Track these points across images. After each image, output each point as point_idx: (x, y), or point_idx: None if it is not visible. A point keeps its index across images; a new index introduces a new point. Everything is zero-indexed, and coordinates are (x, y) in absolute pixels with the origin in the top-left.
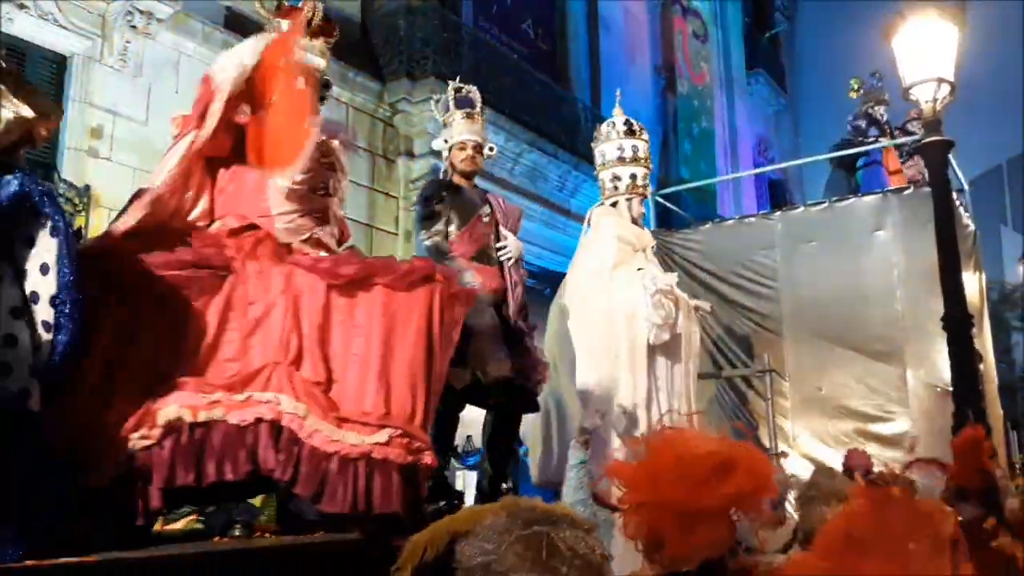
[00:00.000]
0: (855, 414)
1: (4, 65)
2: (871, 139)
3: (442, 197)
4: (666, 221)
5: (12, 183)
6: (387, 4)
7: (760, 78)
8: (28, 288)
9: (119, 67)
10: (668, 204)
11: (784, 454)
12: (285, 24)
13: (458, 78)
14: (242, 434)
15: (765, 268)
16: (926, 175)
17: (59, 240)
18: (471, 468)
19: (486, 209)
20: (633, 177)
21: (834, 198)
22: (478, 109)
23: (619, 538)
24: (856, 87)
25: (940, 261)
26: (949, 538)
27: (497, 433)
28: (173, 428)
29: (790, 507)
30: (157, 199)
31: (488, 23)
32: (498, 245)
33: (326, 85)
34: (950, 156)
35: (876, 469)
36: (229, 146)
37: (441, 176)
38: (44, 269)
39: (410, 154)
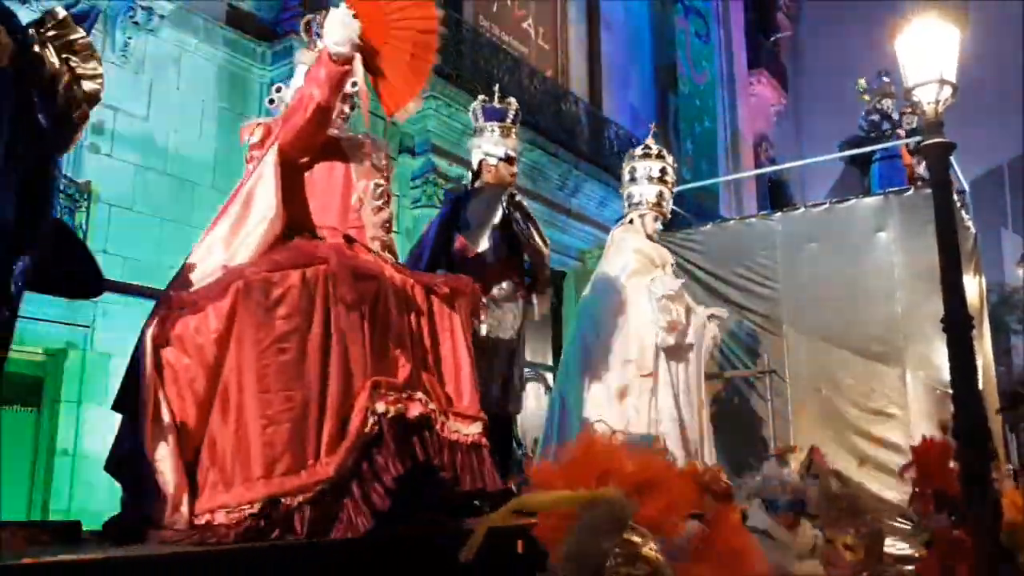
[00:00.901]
0: (855, 415)
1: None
2: (886, 131)
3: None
4: (668, 222)
5: None
6: None
7: (762, 78)
8: None
9: (120, 63)
10: (671, 205)
11: (793, 448)
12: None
13: (467, 74)
14: (414, 428)
15: (766, 269)
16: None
17: None
18: None
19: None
20: (659, 196)
21: (835, 199)
22: (510, 122)
23: None
24: (863, 88)
25: (941, 263)
26: None
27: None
28: (383, 422)
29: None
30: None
31: (489, 21)
32: None
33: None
34: (951, 157)
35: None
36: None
37: (470, 183)
38: None
39: (410, 151)
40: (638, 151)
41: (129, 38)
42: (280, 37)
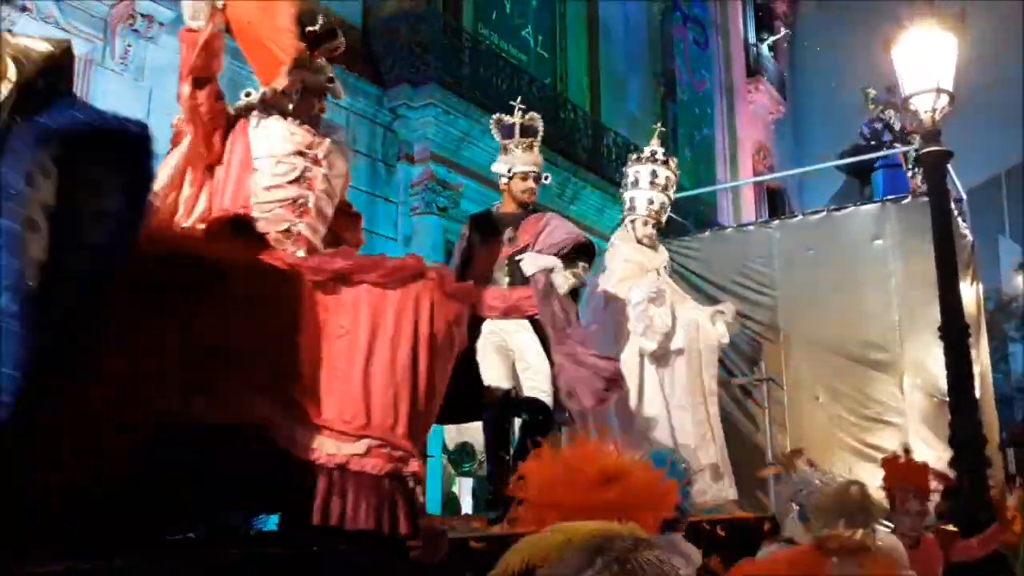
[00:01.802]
0: (852, 423)
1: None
2: (886, 142)
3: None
4: (665, 229)
5: None
6: (388, 9)
7: (760, 86)
8: None
9: (120, 70)
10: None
11: (800, 450)
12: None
13: (471, 84)
14: (228, 437)
15: (763, 276)
16: None
17: None
18: (465, 475)
19: (509, 233)
20: (650, 201)
21: (832, 207)
22: (539, 138)
23: None
24: (872, 95)
25: (938, 271)
26: None
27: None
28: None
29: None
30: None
31: (488, 29)
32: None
33: (333, 93)
34: (948, 166)
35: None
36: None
37: (496, 204)
38: None
39: (410, 159)
40: (633, 156)
41: (129, 46)
42: None
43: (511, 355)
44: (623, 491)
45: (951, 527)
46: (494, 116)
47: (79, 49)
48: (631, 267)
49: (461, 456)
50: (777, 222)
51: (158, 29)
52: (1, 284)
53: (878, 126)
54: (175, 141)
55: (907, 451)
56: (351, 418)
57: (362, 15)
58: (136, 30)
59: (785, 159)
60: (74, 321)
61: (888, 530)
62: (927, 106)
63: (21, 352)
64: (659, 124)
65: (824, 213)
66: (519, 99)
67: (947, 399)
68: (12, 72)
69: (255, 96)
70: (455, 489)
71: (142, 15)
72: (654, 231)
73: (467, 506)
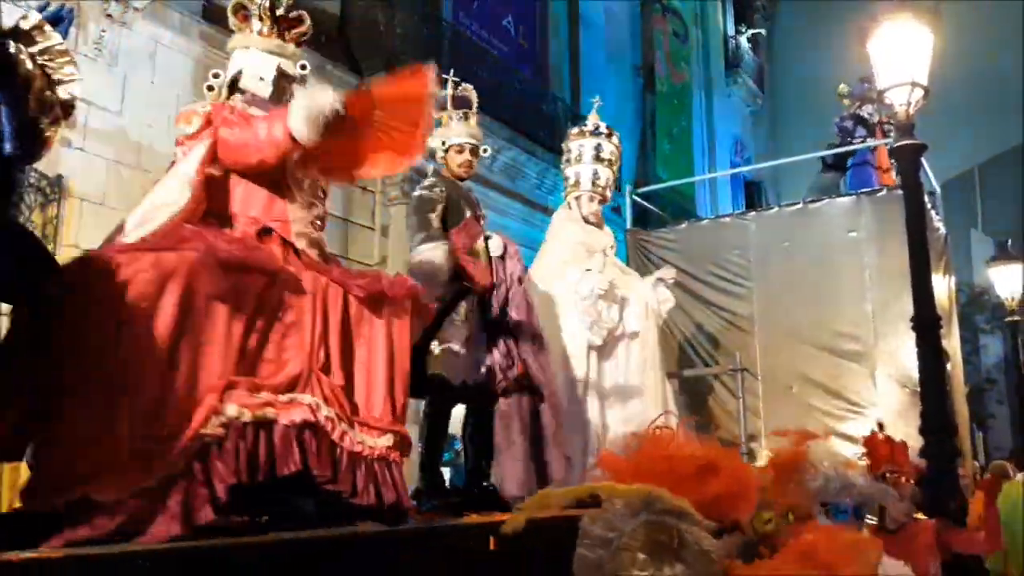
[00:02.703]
0: (825, 413)
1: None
2: (858, 139)
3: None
4: (643, 220)
5: None
6: None
7: (739, 79)
8: None
9: (94, 56)
10: (645, 203)
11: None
12: (256, 27)
13: (444, 73)
14: (290, 434)
15: (739, 268)
16: None
17: None
18: (445, 465)
19: (480, 210)
20: (594, 175)
21: (808, 199)
22: (474, 109)
23: None
24: (845, 93)
25: (911, 263)
26: None
27: (472, 430)
28: (232, 426)
29: None
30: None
31: (468, 19)
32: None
33: (302, 79)
34: (922, 159)
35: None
36: None
37: (435, 175)
38: None
39: None
40: (574, 130)
41: (103, 31)
42: None
43: None
44: (719, 485)
45: (922, 516)
46: (449, 83)
47: None
48: (577, 248)
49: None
50: (753, 214)
51: (133, 14)
52: None
53: (848, 124)
54: (191, 137)
55: (881, 427)
56: (380, 415)
57: (340, 3)
58: (110, 15)
59: (763, 152)
60: None
61: (873, 521)
62: (902, 100)
63: None
64: (596, 99)
65: (800, 205)
66: (452, 72)
67: (918, 389)
68: None
69: (246, 95)
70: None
71: (116, 0)
72: (600, 208)
73: None
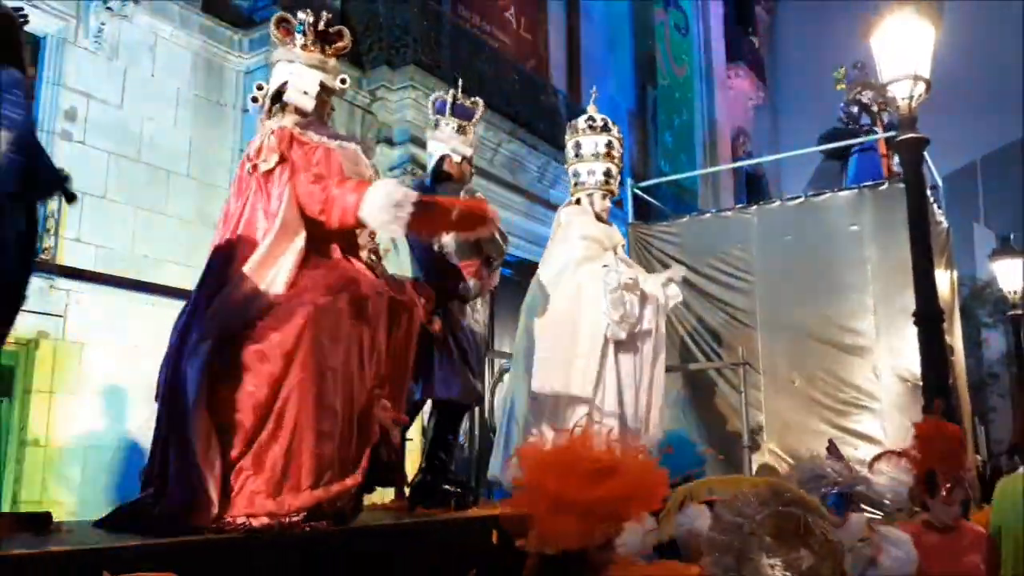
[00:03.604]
0: (827, 407)
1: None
2: (864, 125)
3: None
4: (645, 214)
5: None
6: None
7: (740, 71)
8: None
9: (94, 49)
10: (647, 197)
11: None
12: (299, 41)
13: (442, 64)
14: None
15: (741, 261)
16: None
17: None
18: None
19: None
20: (607, 173)
21: (810, 193)
22: (474, 122)
23: None
24: (840, 76)
25: (913, 256)
26: None
27: (438, 428)
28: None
29: None
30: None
31: (469, 11)
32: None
33: (341, 92)
34: (924, 153)
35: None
36: None
37: (431, 177)
38: None
39: (389, 142)
40: (581, 124)
41: (103, 24)
42: (257, 24)
43: None
44: (613, 487)
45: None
46: (451, 92)
47: (51, 27)
48: (591, 245)
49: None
50: (755, 208)
51: (132, 7)
52: None
53: (854, 109)
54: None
55: (937, 409)
56: (402, 407)
57: None
58: (110, 8)
59: (764, 145)
60: None
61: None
62: (904, 93)
63: None
64: (594, 90)
65: (802, 199)
66: (458, 78)
67: (920, 383)
68: None
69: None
70: None
71: None
72: (610, 205)
73: None
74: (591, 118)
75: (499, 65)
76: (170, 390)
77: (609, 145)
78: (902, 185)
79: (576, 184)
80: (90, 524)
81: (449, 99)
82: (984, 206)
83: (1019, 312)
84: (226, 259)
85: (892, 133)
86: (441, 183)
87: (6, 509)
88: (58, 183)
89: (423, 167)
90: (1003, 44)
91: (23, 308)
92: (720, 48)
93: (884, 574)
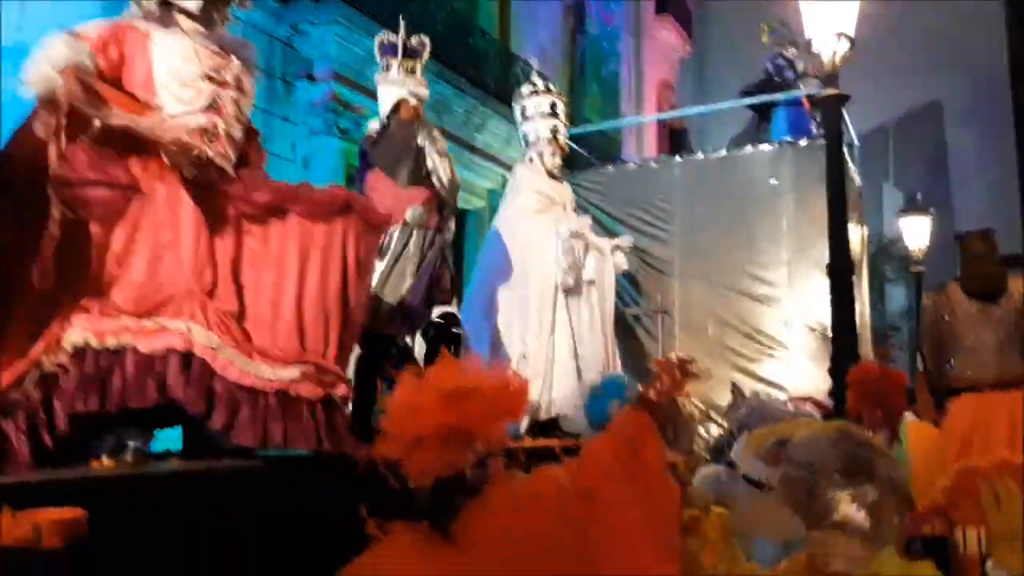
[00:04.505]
0: (740, 354)
1: None
2: (790, 79)
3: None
4: (571, 162)
5: None
6: None
7: (668, 24)
8: None
9: None
10: (574, 145)
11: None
12: None
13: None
14: (151, 363)
15: (663, 212)
16: None
17: None
18: None
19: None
20: (554, 130)
21: (733, 147)
22: (423, 61)
23: None
24: (767, 30)
25: (828, 212)
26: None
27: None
28: (79, 353)
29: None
30: None
31: None
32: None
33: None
34: (843, 111)
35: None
36: None
37: (383, 123)
38: None
39: (310, 77)
40: (525, 89)
41: None
42: None
43: None
44: (467, 409)
45: None
46: (400, 35)
47: None
48: (543, 200)
49: None
50: (679, 160)
51: None
52: None
53: (781, 63)
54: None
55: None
56: (285, 344)
57: None
58: None
59: (689, 99)
60: None
61: None
62: (828, 50)
63: None
64: (533, 60)
65: (724, 152)
66: (400, 16)
67: (829, 333)
68: None
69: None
70: None
71: None
72: (561, 162)
73: None
74: (533, 83)
75: (425, 5)
76: None
77: (553, 105)
78: (821, 143)
79: (527, 144)
80: None
81: (399, 41)
82: (893, 167)
83: (921, 268)
84: None
85: (815, 89)
86: (398, 127)
87: None
88: None
89: (346, 104)
90: (919, 8)
91: None
92: None
93: None
